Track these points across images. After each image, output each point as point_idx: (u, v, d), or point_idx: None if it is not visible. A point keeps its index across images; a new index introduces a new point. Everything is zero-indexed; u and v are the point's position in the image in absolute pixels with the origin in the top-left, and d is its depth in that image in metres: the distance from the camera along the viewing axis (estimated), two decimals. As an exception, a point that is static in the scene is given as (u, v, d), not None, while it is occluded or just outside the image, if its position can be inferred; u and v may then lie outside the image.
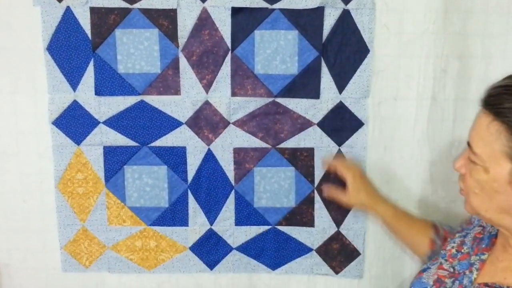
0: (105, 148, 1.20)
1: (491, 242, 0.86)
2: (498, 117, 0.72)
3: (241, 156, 1.20)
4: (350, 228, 1.23)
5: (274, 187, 1.21)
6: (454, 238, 0.95)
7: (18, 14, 1.13)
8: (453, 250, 0.92)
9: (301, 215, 1.22)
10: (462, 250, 0.90)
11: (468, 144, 0.79)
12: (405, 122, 1.17)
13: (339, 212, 1.22)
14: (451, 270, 0.88)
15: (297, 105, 1.17)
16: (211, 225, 1.24)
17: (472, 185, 0.79)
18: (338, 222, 1.23)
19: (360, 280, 1.25)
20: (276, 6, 1.11)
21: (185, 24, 1.13)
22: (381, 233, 1.22)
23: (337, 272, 1.25)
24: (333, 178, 1.20)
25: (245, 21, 1.13)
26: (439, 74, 1.13)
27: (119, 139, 1.19)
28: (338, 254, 1.24)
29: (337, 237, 1.23)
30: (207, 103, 1.17)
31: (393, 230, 1.14)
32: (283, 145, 1.19)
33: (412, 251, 1.12)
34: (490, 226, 0.89)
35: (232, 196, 1.22)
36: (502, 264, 0.81)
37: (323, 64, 1.15)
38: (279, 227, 1.23)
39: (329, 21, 1.12)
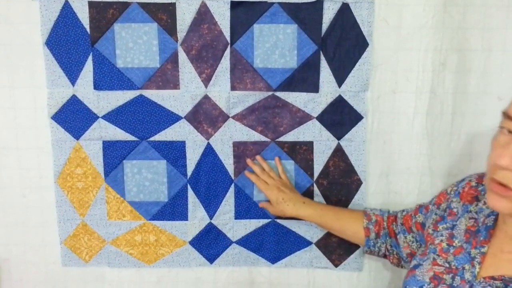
0: (104, 142, 1.20)
1: (489, 234, 0.84)
2: None
3: (241, 149, 1.20)
4: (349, 222, 1.23)
5: (274, 181, 1.22)
6: (440, 231, 0.93)
7: (16, 8, 1.12)
8: (444, 244, 0.90)
9: (301, 208, 1.23)
10: (454, 244, 0.88)
11: None
12: (404, 116, 1.17)
13: (338, 205, 1.22)
14: (447, 265, 0.86)
15: (296, 98, 1.17)
16: (211, 219, 1.24)
17: None
18: (338, 215, 1.23)
19: (359, 273, 1.26)
20: (275, 0, 1.11)
21: (184, 18, 1.13)
22: (380, 226, 1.23)
23: (336, 265, 1.25)
24: (332, 172, 1.20)
25: (244, 15, 1.13)
26: (438, 68, 1.13)
27: (118, 134, 1.19)
28: (338, 247, 1.24)
29: (336, 231, 1.24)
30: (206, 97, 1.17)
31: (327, 228, 1.19)
32: (282, 138, 1.19)
33: (352, 241, 1.18)
34: (484, 217, 0.87)
35: (231, 190, 1.22)
36: (508, 256, 0.80)
37: (322, 58, 1.15)
38: (279, 221, 1.24)
39: (328, 14, 1.12)
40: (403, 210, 1.11)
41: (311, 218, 1.16)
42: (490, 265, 0.81)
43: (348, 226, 1.14)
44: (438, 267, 0.87)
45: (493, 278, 0.79)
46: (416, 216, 1.05)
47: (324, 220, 1.15)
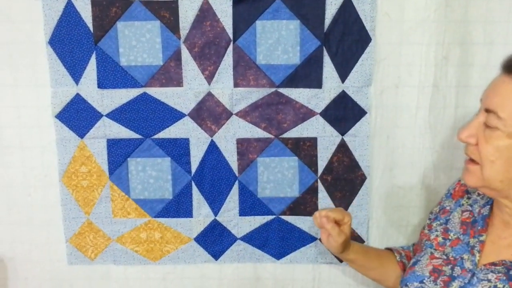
0: (108, 140, 1.20)
1: (486, 223, 0.86)
2: None
3: (244, 146, 1.20)
4: (354, 217, 1.22)
5: (278, 177, 1.22)
6: (434, 227, 0.95)
7: (19, 8, 1.13)
8: (439, 239, 0.91)
9: (305, 204, 1.23)
10: (449, 237, 0.90)
11: (487, 110, 0.77)
12: (407, 110, 1.17)
13: (343, 201, 1.22)
14: (445, 257, 0.88)
15: (299, 95, 1.17)
16: (215, 216, 1.24)
17: (489, 152, 0.76)
18: (342, 211, 1.23)
19: (364, 268, 1.26)
20: (278, -4, 1.12)
21: (187, 16, 1.13)
22: (384, 220, 1.23)
23: (341, 261, 1.25)
24: (336, 167, 1.20)
25: (247, 11, 1.13)
26: (440, 62, 1.14)
27: (123, 132, 1.20)
28: (342, 242, 1.25)
29: (341, 226, 1.24)
30: (209, 94, 1.18)
31: (366, 266, 1.10)
32: (286, 135, 1.20)
33: (385, 281, 1.09)
34: (479, 208, 0.88)
35: (235, 187, 1.23)
36: (506, 241, 0.81)
37: (325, 54, 1.15)
38: (283, 217, 1.24)
39: (331, 10, 1.13)
40: (414, 244, 1.11)
41: (358, 254, 1.07)
42: (490, 253, 0.83)
43: (388, 262, 1.09)
44: (436, 260, 0.88)
45: (494, 264, 0.80)
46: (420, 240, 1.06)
47: (368, 256, 1.09)
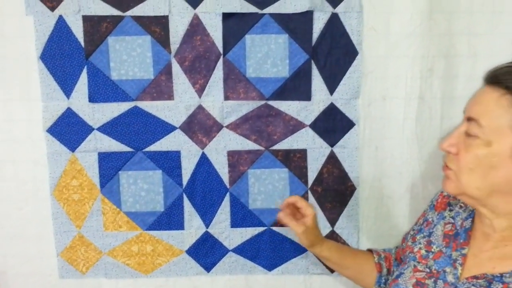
0: (99, 154, 1.21)
1: (468, 236, 0.87)
2: (509, 91, 0.74)
3: (235, 158, 1.22)
4: (344, 227, 1.24)
5: (268, 188, 1.23)
6: (418, 240, 0.96)
7: (11, 23, 1.14)
8: (422, 251, 0.92)
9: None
10: (432, 250, 0.91)
11: (469, 118, 0.79)
12: (395, 121, 1.19)
13: (333, 211, 1.24)
14: (428, 270, 0.88)
15: (289, 107, 1.19)
16: (207, 228, 1.25)
17: (468, 161, 0.78)
18: (333, 221, 1.24)
19: (355, 278, 1.27)
20: (266, 11, 1.14)
21: (177, 30, 1.15)
22: (374, 230, 1.24)
23: (332, 271, 1.26)
24: (326, 178, 1.22)
25: (236, 26, 1.15)
26: (426, 74, 1.16)
27: (114, 145, 1.21)
28: (333, 253, 1.26)
29: (331, 236, 1.25)
30: (200, 107, 1.19)
31: (341, 264, 1.12)
32: (276, 147, 1.21)
33: (361, 282, 1.12)
34: (461, 220, 0.90)
35: (227, 199, 1.24)
36: (487, 254, 0.82)
37: (314, 67, 1.17)
38: (275, 228, 1.25)
39: (318, 24, 1.15)
40: (397, 247, 1.12)
41: (332, 252, 1.09)
42: (472, 266, 0.84)
43: (364, 262, 1.10)
44: (419, 273, 0.89)
45: (475, 277, 0.81)
46: (402, 244, 1.08)
47: (343, 255, 1.11)
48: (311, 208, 1.05)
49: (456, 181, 0.81)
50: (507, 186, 0.76)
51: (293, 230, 1.04)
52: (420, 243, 0.95)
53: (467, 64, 1.16)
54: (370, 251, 1.14)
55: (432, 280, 0.86)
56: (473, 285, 0.80)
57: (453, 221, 0.92)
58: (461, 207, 0.93)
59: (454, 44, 1.15)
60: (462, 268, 0.84)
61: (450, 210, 0.94)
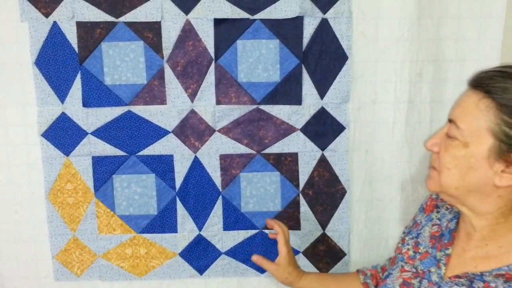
0: (93, 158, 1.23)
1: (452, 237, 0.89)
2: (489, 95, 0.75)
3: (227, 162, 1.23)
4: (335, 230, 1.26)
5: (260, 191, 1.25)
6: (407, 241, 0.98)
7: (6, 29, 1.16)
8: (410, 252, 0.94)
9: (287, 218, 1.26)
10: (419, 251, 0.93)
11: (450, 120, 0.81)
12: (384, 125, 1.21)
13: (324, 214, 1.25)
14: (414, 270, 0.90)
15: (280, 111, 1.21)
16: (200, 230, 1.27)
17: (447, 160, 0.81)
18: (324, 224, 1.26)
19: (346, 280, 1.28)
20: (257, 16, 1.15)
21: (169, 36, 1.17)
22: (365, 233, 1.26)
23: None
24: (317, 182, 1.23)
25: (228, 31, 1.17)
26: (415, 78, 1.18)
27: (107, 149, 1.22)
28: (325, 255, 1.27)
29: (323, 239, 1.26)
30: (192, 111, 1.21)
31: None
32: (267, 150, 1.23)
33: None
34: (446, 222, 0.92)
35: (219, 202, 1.25)
36: (470, 253, 0.84)
37: (304, 71, 1.19)
38: (267, 231, 1.26)
39: (309, 29, 1.17)
40: (390, 258, 1.13)
41: (313, 284, 1.13)
42: (455, 266, 0.85)
43: (350, 286, 1.13)
44: (406, 273, 0.91)
45: (458, 276, 0.82)
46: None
47: (326, 285, 1.14)
48: (284, 248, 1.11)
49: (437, 180, 0.83)
50: (484, 187, 0.78)
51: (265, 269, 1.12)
52: (408, 244, 0.97)
53: (456, 68, 1.17)
54: (357, 271, 1.15)
55: (418, 279, 0.88)
56: (455, 284, 0.82)
57: (439, 222, 0.94)
58: (447, 208, 0.94)
59: (443, 49, 1.17)
60: (446, 267, 0.86)
61: (437, 212, 0.96)
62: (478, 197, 0.80)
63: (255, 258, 1.14)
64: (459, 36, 1.16)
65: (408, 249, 0.95)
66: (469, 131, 0.77)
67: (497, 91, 0.75)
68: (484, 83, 0.77)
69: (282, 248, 1.12)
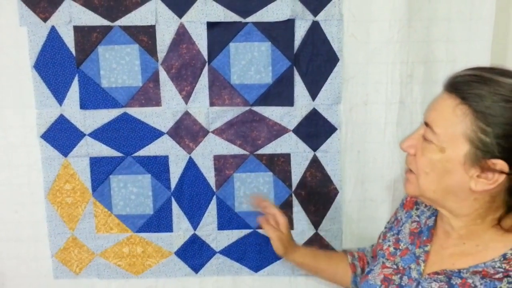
0: (91, 159, 1.26)
1: (431, 234, 0.90)
2: (466, 101, 0.75)
3: (221, 163, 1.25)
4: (328, 230, 1.27)
5: (254, 191, 1.27)
6: (388, 238, 0.99)
7: (5, 34, 1.19)
8: (391, 249, 0.95)
9: (281, 218, 1.27)
10: (400, 247, 0.94)
11: (426, 123, 0.81)
12: (376, 126, 1.22)
13: (317, 214, 1.27)
14: (395, 267, 0.92)
15: (272, 112, 1.23)
16: (195, 230, 1.29)
17: (423, 164, 0.81)
18: (316, 224, 1.27)
19: (339, 279, 1.29)
20: (249, 19, 1.17)
21: (164, 39, 1.19)
22: (357, 233, 1.27)
23: (318, 275, 1.29)
24: (309, 182, 1.25)
25: (220, 34, 1.19)
26: (405, 79, 1.19)
27: (104, 150, 1.25)
28: (317, 254, 1.28)
29: (315, 239, 1.28)
30: (186, 113, 1.23)
31: (315, 268, 1.16)
32: (260, 151, 1.25)
33: (338, 283, 1.15)
34: (425, 219, 0.93)
35: (214, 202, 1.27)
36: (448, 251, 0.85)
37: (296, 73, 1.20)
38: (260, 231, 1.28)
39: (300, 32, 1.18)
40: (372, 245, 1.15)
41: (305, 258, 1.14)
42: (434, 262, 0.86)
43: (338, 264, 1.14)
44: (387, 269, 0.92)
45: (436, 273, 0.84)
46: (378, 241, 1.09)
47: (316, 259, 1.15)
48: (283, 217, 1.10)
49: (416, 183, 0.83)
50: (460, 191, 0.79)
51: (269, 236, 1.08)
52: (389, 241, 0.98)
53: (446, 69, 1.18)
54: (344, 252, 1.16)
55: (399, 276, 0.90)
56: (434, 280, 0.83)
57: (418, 219, 0.95)
58: (426, 206, 0.95)
59: (433, 50, 1.18)
60: (425, 264, 0.87)
61: (417, 209, 0.97)
62: (455, 200, 0.81)
63: (261, 219, 1.09)
64: (449, 38, 1.17)
65: (389, 246, 0.96)
66: (445, 136, 0.78)
67: (473, 98, 0.75)
68: (460, 89, 0.77)
69: (280, 218, 1.09)
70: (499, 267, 0.77)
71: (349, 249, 1.18)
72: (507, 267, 0.76)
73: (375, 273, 0.94)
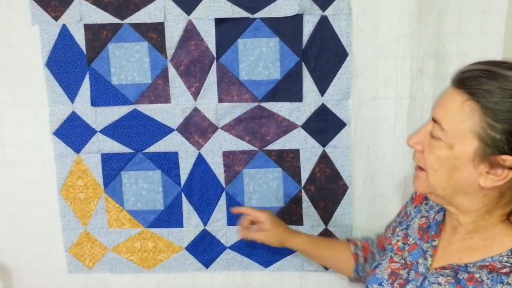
0: (102, 155, 1.27)
1: (439, 229, 0.89)
2: (474, 97, 0.74)
3: (230, 159, 1.26)
4: (337, 225, 1.27)
5: (263, 187, 1.27)
6: (396, 233, 0.98)
7: (18, 33, 1.21)
8: (400, 243, 0.95)
9: (290, 214, 1.27)
10: (408, 242, 0.93)
11: (434, 120, 0.80)
12: (386, 121, 1.21)
13: (326, 210, 1.26)
14: (403, 262, 0.91)
15: (281, 108, 1.22)
16: (205, 225, 1.30)
17: (432, 161, 0.80)
18: (326, 220, 1.27)
19: (349, 275, 1.29)
20: (257, 15, 1.17)
21: (172, 36, 1.20)
22: (367, 229, 1.26)
23: (327, 268, 1.29)
24: (318, 178, 1.25)
25: (229, 31, 1.19)
26: (416, 74, 1.17)
27: (115, 147, 1.27)
28: (327, 250, 1.28)
29: (325, 235, 1.28)
30: (196, 109, 1.24)
31: (316, 256, 1.19)
32: (269, 147, 1.25)
33: (339, 271, 1.18)
34: (434, 213, 0.92)
35: (223, 198, 1.28)
36: (455, 246, 0.84)
37: (304, 69, 1.20)
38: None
39: (308, 27, 1.18)
40: (378, 235, 1.14)
41: (304, 245, 1.16)
42: (441, 257, 0.86)
43: (338, 253, 1.15)
44: (395, 264, 0.92)
45: (443, 267, 0.83)
46: (385, 233, 1.09)
47: (315, 247, 1.17)
48: (263, 213, 1.13)
49: (425, 180, 0.82)
50: (469, 187, 0.78)
51: (256, 240, 1.14)
52: (398, 236, 0.97)
53: (457, 63, 1.13)
54: (348, 240, 1.16)
55: (406, 270, 0.89)
56: (441, 275, 0.82)
57: (427, 214, 0.94)
58: None
59: (444, 44, 1.16)
60: (432, 259, 0.86)
61: (426, 204, 0.96)
62: (464, 197, 0.80)
63: (242, 234, 1.17)
64: (461, 31, 1.15)
65: (398, 240, 0.96)
66: (453, 133, 0.76)
67: (482, 94, 0.73)
68: (468, 84, 0.75)
69: (258, 215, 1.15)
70: (506, 262, 0.76)
71: (353, 238, 1.18)
72: None
73: (382, 267, 0.94)
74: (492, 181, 0.75)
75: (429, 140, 0.81)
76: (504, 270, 0.75)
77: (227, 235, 1.30)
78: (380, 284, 0.91)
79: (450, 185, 0.79)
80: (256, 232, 1.16)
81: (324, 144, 1.23)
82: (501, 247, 0.78)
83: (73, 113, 1.26)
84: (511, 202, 0.78)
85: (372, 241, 1.14)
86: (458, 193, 0.80)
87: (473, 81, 0.75)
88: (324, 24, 1.17)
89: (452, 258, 0.83)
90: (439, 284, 0.81)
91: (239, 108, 1.23)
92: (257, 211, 1.16)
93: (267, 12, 1.17)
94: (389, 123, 1.21)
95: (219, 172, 1.27)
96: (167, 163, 1.27)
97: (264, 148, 1.25)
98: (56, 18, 1.20)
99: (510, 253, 0.76)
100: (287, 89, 1.21)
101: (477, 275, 0.77)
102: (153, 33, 1.20)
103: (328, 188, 1.25)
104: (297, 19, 1.17)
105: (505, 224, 0.80)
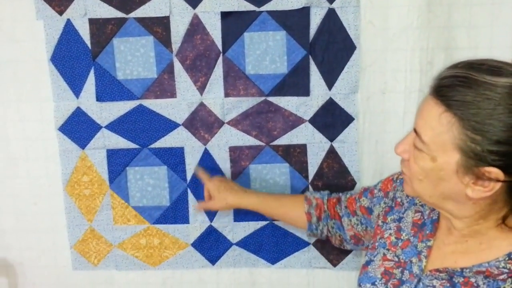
0: (108, 151, 1.26)
1: (434, 228, 0.86)
2: (450, 109, 0.70)
3: (237, 154, 1.24)
4: (345, 221, 1.25)
5: (270, 183, 1.25)
6: (388, 223, 0.95)
7: (22, 28, 1.20)
8: (392, 238, 0.92)
9: (298, 210, 1.26)
10: (401, 237, 0.91)
11: (415, 131, 0.77)
12: (395, 115, 1.19)
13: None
14: (396, 259, 0.88)
15: (288, 103, 1.21)
16: (211, 222, 1.29)
17: (417, 172, 0.77)
18: (334, 215, 1.26)
19: (358, 271, 1.27)
20: (263, 8, 1.15)
21: (178, 30, 1.19)
22: (376, 225, 1.24)
23: (335, 265, 1.27)
24: (326, 173, 1.23)
25: (235, 24, 1.18)
26: (425, 67, 1.15)
27: (121, 142, 1.26)
28: (335, 247, 1.26)
29: (333, 230, 1.26)
30: (202, 104, 1.22)
31: (271, 216, 1.23)
32: (276, 142, 1.23)
33: (297, 226, 1.21)
34: (429, 210, 0.89)
35: (230, 194, 1.27)
36: (450, 248, 0.82)
37: (312, 62, 1.18)
38: (276, 223, 1.27)
39: (315, 20, 1.16)
40: (347, 193, 1.13)
41: (255, 206, 1.19)
42: (436, 258, 0.84)
43: (291, 212, 1.17)
44: (388, 262, 0.89)
45: (438, 270, 0.81)
46: (361, 199, 1.07)
47: (267, 207, 1.19)
48: (209, 182, 1.20)
49: (412, 185, 0.80)
50: (458, 196, 0.75)
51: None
52: (390, 228, 0.94)
53: (468, 56, 1.10)
54: (305, 197, 1.16)
55: (400, 270, 0.87)
56: (435, 278, 0.80)
57: (422, 210, 0.91)
58: None
59: (454, 36, 1.14)
60: (427, 260, 0.84)
61: None
62: (454, 204, 0.77)
63: (196, 205, 1.25)
64: (471, 23, 1.13)
65: (390, 234, 0.93)
66: (434, 145, 0.73)
67: (457, 105, 0.70)
68: (444, 95, 0.72)
69: (207, 185, 1.20)
70: (503, 267, 0.74)
71: (307, 195, 1.17)
72: (511, 267, 0.73)
73: (375, 265, 0.91)
74: (480, 193, 0.72)
75: (413, 151, 0.78)
76: (501, 277, 0.73)
77: (234, 231, 1.29)
78: (373, 284, 0.89)
79: (437, 194, 0.77)
80: (206, 202, 1.21)
81: (332, 139, 1.22)
82: (497, 251, 0.76)
83: (78, 108, 1.24)
84: (506, 206, 0.76)
85: (326, 199, 1.14)
86: (446, 201, 0.78)
87: (449, 91, 0.71)
88: (331, 17, 1.15)
89: (447, 260, 0.81)
90: (434, 287, 0.79)
91: (245, 103, 1.21)
92: (207, 180, 1.21)
93: (274, 5, 1.15)
94: (398, 117, 1.19)
95: (226, 167, 1.25)
96: (173, 159, 1.26)
97: (271, 143, 1.23)
98: (60, 12, 1.19)
99: (507, 258, 0.74)
100: (294, 83, 1.19)
101: (472, 280, 0.75)
102: (159, 27, 1.19)
103: (336, 183, 1.23)
104: (304, 12, 1.15)
105: (501, 228, 0.77)
